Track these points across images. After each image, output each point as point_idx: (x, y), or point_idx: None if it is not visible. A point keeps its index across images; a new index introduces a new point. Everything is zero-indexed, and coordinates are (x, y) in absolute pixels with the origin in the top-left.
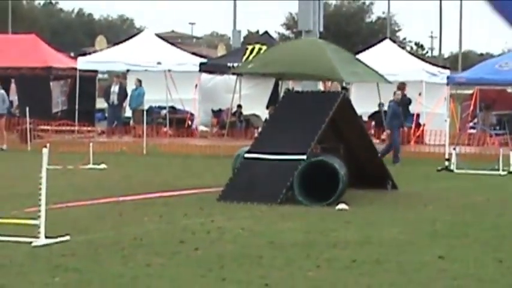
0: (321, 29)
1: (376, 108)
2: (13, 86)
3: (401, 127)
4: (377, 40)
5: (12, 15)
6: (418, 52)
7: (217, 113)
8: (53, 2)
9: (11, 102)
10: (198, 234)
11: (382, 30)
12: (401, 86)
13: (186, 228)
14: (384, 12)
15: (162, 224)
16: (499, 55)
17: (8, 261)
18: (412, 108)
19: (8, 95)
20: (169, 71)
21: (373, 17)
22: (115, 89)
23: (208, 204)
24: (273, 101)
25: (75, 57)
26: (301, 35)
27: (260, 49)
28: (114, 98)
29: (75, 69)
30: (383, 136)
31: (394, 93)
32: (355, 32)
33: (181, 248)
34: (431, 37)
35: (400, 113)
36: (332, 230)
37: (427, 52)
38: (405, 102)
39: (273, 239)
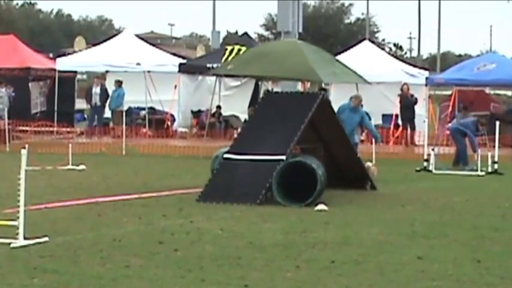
0: (300, 30)
1: None
2: None
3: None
4: (356, 41)
5: None
6: (397, 53)
7: (196, 114)
8: (32, 2)
9: None
10: (177, 235)
11: (361, 32)
12: (405, 86)
13: (165, 229)
14: (363, 14)
15: (141, 225)
16: (478, 56)
17: None
18: (391, 109)
19: None
20: (148, 71)
21: (352, 18)
22: (96, 90)
23: (188, 205)
24: (253, 101)
25: (54, 58)
26: (281, 36)
27: (239, 50)
28: (96, 99)
29: (54, 70)
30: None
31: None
32: (334, 33)
33: (160, 249)
34: (410, 38)
35: None
36: (311, 230)
37: (405, 53)
38: (412, 102)
39: (252, 240)
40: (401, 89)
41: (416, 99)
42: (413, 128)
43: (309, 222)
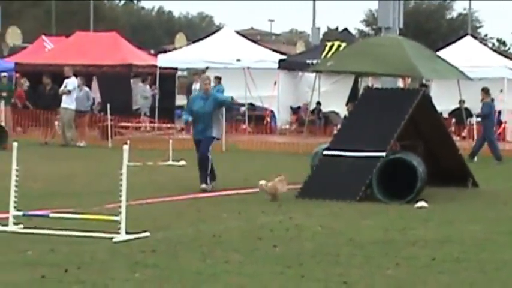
0: (401, 26)
1: (457, 105)
2: (95, 83)
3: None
4: (458, 37)
5: (93, 14)
6: (500, 48)
7: (296, 110)
8: (134, 0)
9: (93, 100)
10: (277, 231)
11: (463, 27)
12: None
13: (265, 226)
14: (465, 9)
15: (240, 221)
16: None
17: (89, 256)
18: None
19: None
20: (248, 68)
21: (454, 14)
22: (196, 86)
23: (287, 201)
24: (352, 98)
25: (155, 55)
26: (381, 31)
27: (339, 46)
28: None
29: (156, 66)
30: (463, 133)
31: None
32: (435, 29)
33: (259, 245)
34: None
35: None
36: (411, 228)
37: (509, 48)
38: None
39: (352, 237)
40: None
41: None
42: None
43: (409, 220)
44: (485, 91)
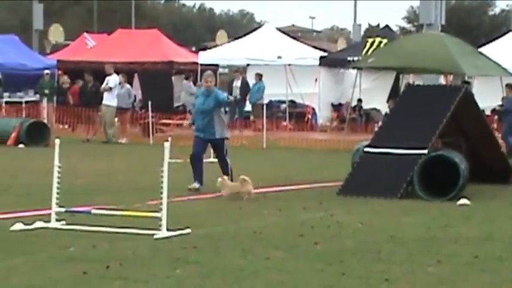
0: (443, 22)
1: (500, 102)
2: (136, 80)
3: None
4: (500, 33)
5: (135, 12)
6: None
7: (337, 107)
8: None
9: (134, 97)
10: (318, 228)
11: (506, 23)
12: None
13: (305, 222)
14: (507, 5)
15: (281, 218)
16: None
17: (130, 253)
18: None
19: None
20: (289, 65)
21: (496, 10)
22: (237, 83)
23: (328, 198)
24: (393, 94)
25: (196, 52)
26: (423, 28)
27: (380, 43)
28: (236, 92)
29: (197, 63)
30: None
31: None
32: (477, 25)
33: (300, 242)
34: None
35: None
36: (453, 225)
37: None
38: None
39: (393, 234)
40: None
41: None
42: None
43: (451, 217)
44: (510, 87)
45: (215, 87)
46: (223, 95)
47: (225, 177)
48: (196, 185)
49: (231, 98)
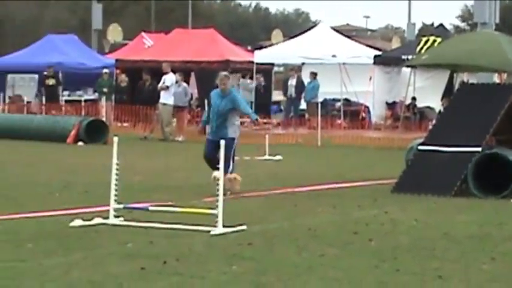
0: (497, 21)
1: None
2: (193, 79)
3: None
4: None
5: (192, 11)
6: None
7: (391, 106)
8: None
9: (191, 95)
10: (372, 225)
11: None
12: None
13: (360, 220)
14: None
15: (335, 215)
16: None
17: (187, 249)
18: None
19: None
20: (343, 63)
21: None
22: (292, 82)
23: (382, 195)
24: (447, 93)
25: (252, 51)
26: (477, 27)
27: (435, 41)
28: (292, 90)
29: (252, 62)
30: None
31: None
32: None
33: (355, 239)
34: None
35: None
36: (507, 223)
37: None
38: None
39: (447, 231)
40: None
41: None
42: None
43: (505, 215)
44: None
45: (232, 88)
46: (248, 108)
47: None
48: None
49: (258, 119)
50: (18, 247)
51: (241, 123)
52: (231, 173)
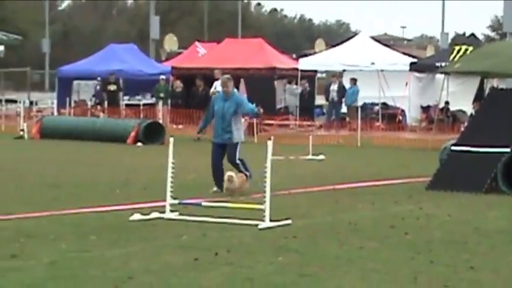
0: None
1: None
2: (242, 85)
3: None
4: None
5: (241, 22)
6: None
7: (426, 109)
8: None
9: None
10: (408, 220)
11: None
12: None
13: (397, 215)
14: None
15: (374, 211)
16: None
17: (237, 241)
18: None
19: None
20: (381, 70)
21: None
22: (334, 87)
23: (417, 192)
24: (478, 97)
25: (296, 59)
26: (506, 36)
27: (466, 50)
28: (333, 95)
29: (297, 69)
30: None
31: None
32: None
33: (392, 233)
34: None
35: None
36: None
37: None
38: None
39: (478, 226)
40: None
41: None
42: None
43: None
44: None
45: (235, 91)
46: (250, 105)
47: (232, 173)
48: (215, 189)
49: (261, 110)
50: (83, 239)
51: (287, 125)
52: (241, 171)
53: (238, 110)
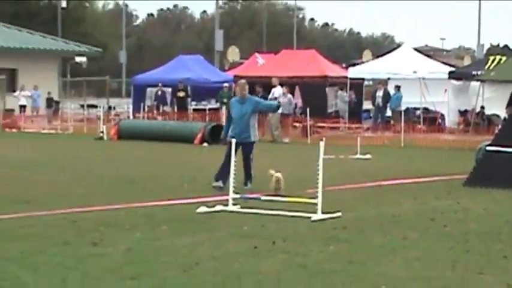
0: None
1: None
2: (297, 91)
3: None
4: None
5: (297, 35)
6: None
7: (463, 113)
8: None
9: (295, 104)
10: (446, 213)
11: None
12: None
13: (436, 209)
14: None
15: (416, 205)
16: None
17: (292, 232)
18: None
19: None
20: (423, 78)
21: None
22: (380, 93)
23: (455, 188)
24: (511, 103)
25: (346, 68)
26: None
27: (500, 59)
28: (379, 101)
29: (346, 77)
30: None
31: None
32: None
33: (432, 225)
34: None
35: None
36: None
37: None
38: None
39: (510, 219)
40: None
41: None
42: None
43: None
44: None
45: (249, 95)
46: (266, 102)
47: (273, 171)
48: (220, 184)
49: (279, 102)
50: (155, 228)
51: (337, 128)
52: (250, 174)
53: (256, 109)
